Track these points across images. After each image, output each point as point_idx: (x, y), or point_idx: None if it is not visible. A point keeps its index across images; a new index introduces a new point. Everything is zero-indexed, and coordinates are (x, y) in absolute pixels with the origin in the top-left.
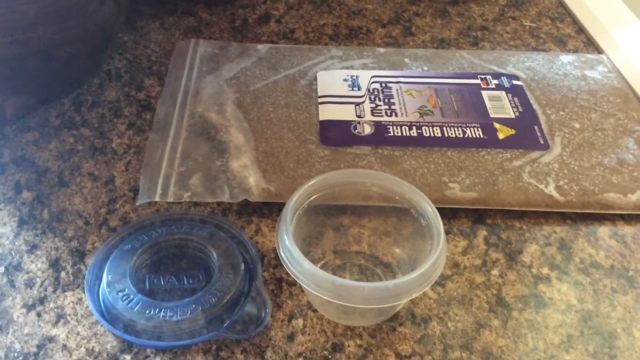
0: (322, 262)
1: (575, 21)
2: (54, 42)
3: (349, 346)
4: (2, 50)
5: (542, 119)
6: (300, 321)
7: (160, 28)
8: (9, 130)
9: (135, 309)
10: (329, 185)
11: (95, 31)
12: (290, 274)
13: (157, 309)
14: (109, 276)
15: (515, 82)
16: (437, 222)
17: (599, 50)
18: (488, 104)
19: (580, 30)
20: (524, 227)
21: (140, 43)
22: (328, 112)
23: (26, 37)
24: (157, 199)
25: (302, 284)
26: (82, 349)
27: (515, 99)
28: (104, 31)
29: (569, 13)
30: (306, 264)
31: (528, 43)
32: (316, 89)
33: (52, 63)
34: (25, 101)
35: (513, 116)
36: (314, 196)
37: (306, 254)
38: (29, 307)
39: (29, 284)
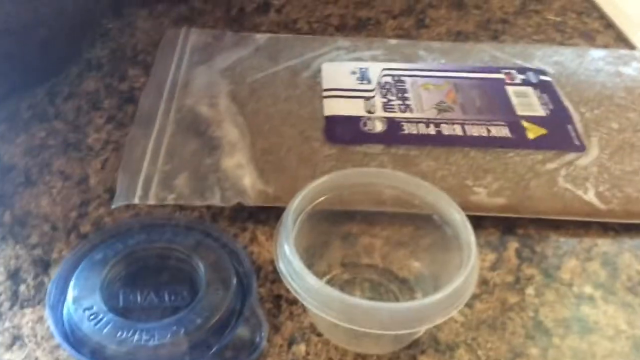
0: (328, 276)
1: (602, 16)
2: (25, 21)
3: None
4: None
5: (575, 117)
6: (303, 347)
7: (149, 16)
8: None
9: (104, 331)
10: (337, 186)
11: (73, 12)
12: (291, 290)
13: (131, 331)
14: (76, 291)
15: (543, 77)
16: (467, 232)
17: (630, 46)
18: (514, 100)
19: (609, 25)
20: (561, 238)
21: (126, 31)
22: (334, 107)
23: None
24: (136, 201)
25: (305, 303)
26: None
27: (545, 95)
28: (83, 13)
29: (596, 7)
30: (310, 278)
31: (553, 38)
32: (321, 81)
33: (23, 46)
34: None
35: (543, 114)
36: (319, 199)
37: (309, 266)
38: None
39: None
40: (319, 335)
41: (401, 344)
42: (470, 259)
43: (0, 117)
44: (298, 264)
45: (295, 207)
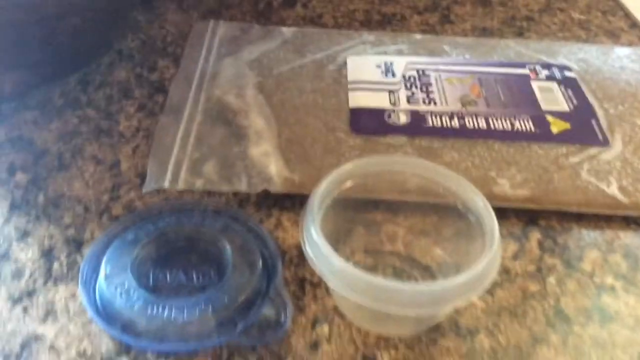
0: (351, 262)
1: (627, 15)
2: (60, 10)
3: (382, 358)
4: (1, 15)
5: (599, 113)
6: (326, 328)
7: (178, 9)
8: (6, 107)
9: (135, 307)
10: (362, 173)
11: (105, 3)
12: (318, 272)
13: (161, 308)
14: (108, 268)
15: (567, 73)
16: (490, 219)
17: None
18: (539, 95)
19: (634, 24)
20: (583, 230)
21: (155, 23)
22: (359, 99)
23: (28, 1)
24: (166, 185)
25: (330, 284)
26: (73, 351)
27: (569, 91)
28: (114, 4)
29: (621, 6)
30: (337, 261)
31: (578, 35)
32: (346, 74)
33: (56, 35)
34: (26, 77)
35: (567, 109)
36: (345, 185)
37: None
38: (15, 301)
39: (17, 275)
40: (342, 316)
41: (423, 326)
42: (493, 244)
43: (34, 103)
44: (325, 246)
45: (322, 192)
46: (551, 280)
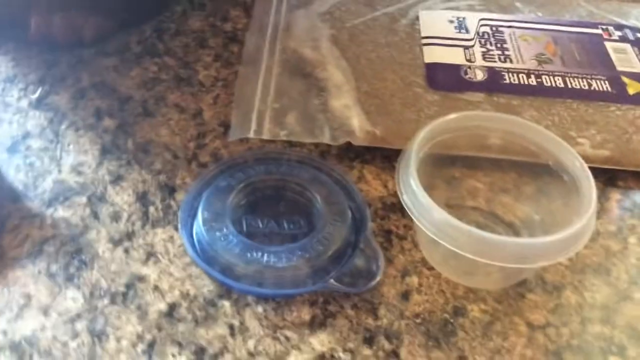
0: None
1: None
2: None
3: (472, 310)
4: None
5: None
6: (415, 279)
7: None
8: (86, 53)
9: (235, 251)
10: (460, 127)
11: None
12: (417, 222)
13: (260, 253)
14: (205, 213)
15: None
16: (587, 181)
17: None
18: (613, 56)
19: None
20: None
21: None
22: (434, 55)
23: None
24: (251, 135)
25: (429, 233)
26: (176, 291)
27: None
28: None
29: None
30: (436, 211)
31: None
32: (419, 29)
33: None
34: (105, 23)
35: None
36: (438, 139)
37: None
38: (116, 243)
39: (115, 218)
40: (431, 268)
41: (510, 281)
42: (591, 206)
43: (112, 50)
44: (424, 197)
45: (419, 144)
46: (632, 240)
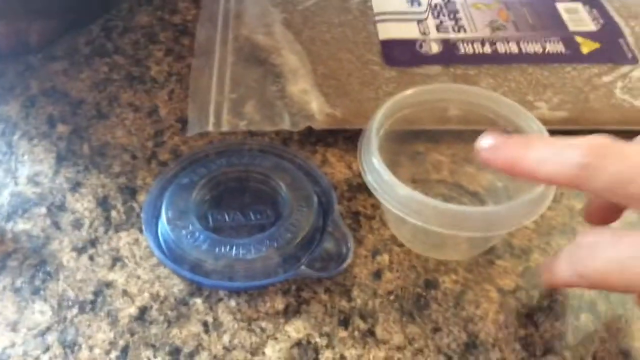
0: None
1: None
2: None
3: (444, 282)
4: None
5: (626, 31)
6: (386, 257)
7: None
8: (34, 59)
9: (203, 247)
10: (418, 102)
11: None
12: (381, 200)
13: (228, 247)
14: (169, 212)
15: None
16: None
17: None
18: (565, 16)
19: None
20: None
21: None
22: (388, 31)
23: None
24: (210, 128)
25: (395, 210)
26: (146, 294)
27: (594, 10)
28: None
29: None
30: (400, 187)
31: None
32: (371, 6)
33: None
34: (50, 26)
35: (594, 29)
36: (398, 115)
37: None
38: (80, 251)
39: (77, 225)
40: (400, 245)
41: (478, 250)
42: None
43: (61, 54)
44: (388, 174)
45: (379, 121)
46: None
